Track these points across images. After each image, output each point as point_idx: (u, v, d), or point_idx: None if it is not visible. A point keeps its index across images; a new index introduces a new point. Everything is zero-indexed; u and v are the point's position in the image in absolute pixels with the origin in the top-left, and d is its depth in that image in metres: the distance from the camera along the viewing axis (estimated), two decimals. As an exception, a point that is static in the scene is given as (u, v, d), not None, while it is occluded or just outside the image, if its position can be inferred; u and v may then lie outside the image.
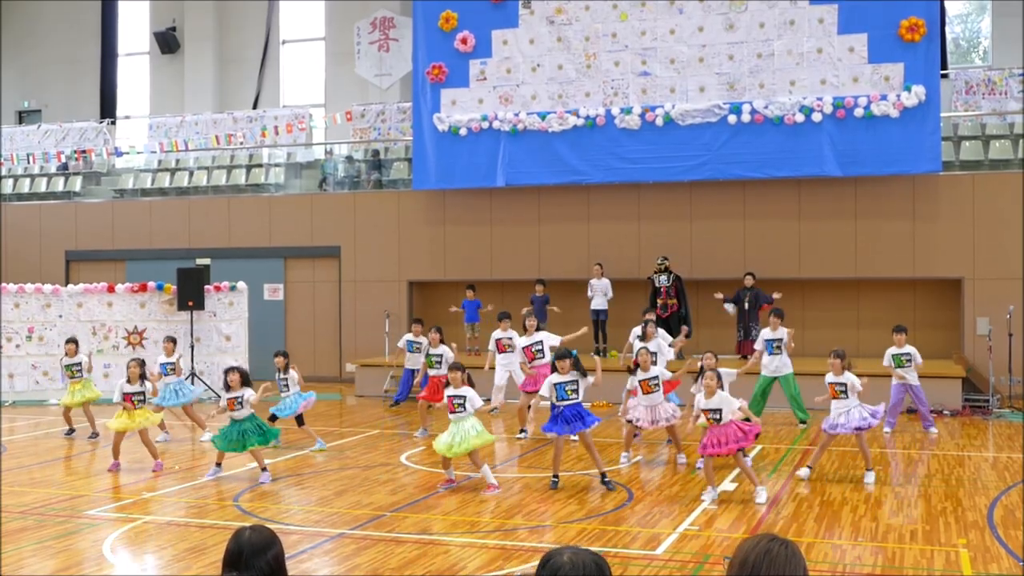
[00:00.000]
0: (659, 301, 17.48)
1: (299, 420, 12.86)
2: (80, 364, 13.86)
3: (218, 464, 11.05)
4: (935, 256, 17.46)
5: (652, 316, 13.84)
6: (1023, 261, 16.81)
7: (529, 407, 12.99)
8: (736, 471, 10.56)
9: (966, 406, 15.50)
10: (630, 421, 11.33)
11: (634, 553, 7.81)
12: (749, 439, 9.71)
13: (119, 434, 11.52)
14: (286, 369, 12.77)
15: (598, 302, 18.02)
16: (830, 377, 10.61)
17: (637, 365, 11.11)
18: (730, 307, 17.19)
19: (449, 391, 10.38)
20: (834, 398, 10.56)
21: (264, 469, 10.83)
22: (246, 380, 10.91)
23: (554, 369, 10.31)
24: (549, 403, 10.45)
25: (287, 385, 12.75)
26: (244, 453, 11.00)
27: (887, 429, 13.64)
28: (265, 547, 3.63)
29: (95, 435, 13.72)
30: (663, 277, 17.59)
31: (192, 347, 17.77)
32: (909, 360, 13.38)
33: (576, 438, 10.58)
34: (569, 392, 10.09)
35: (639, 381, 10.96)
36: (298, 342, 20.34)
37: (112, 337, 18.12)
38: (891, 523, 8.78)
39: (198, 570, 7.48)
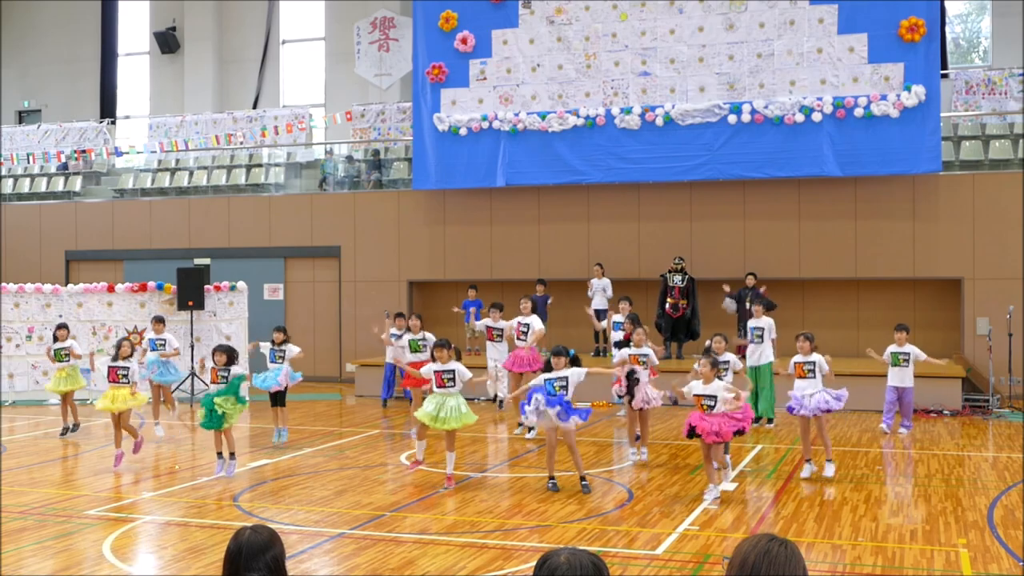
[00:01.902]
0: (669, 300, 17.46)
1: (281, 399, 12.91)
2: (67, 349, 13.92)
3: (219, 454, 11.04)
4: (935, 256, 17.46)
5: (626, 306, 14.38)
6: (1023, 261, 16.82)
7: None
8: (736, 471, 10.57)
9: (966, 406, 15.51)
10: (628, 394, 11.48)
11: (634, 553, 7.82)
12: (746, 423, 9.71)
13: (114, 417, 11.60)
14: (283, 343, 12.89)
15: (598, 302, 18.02)
16: (798, 357, 10.68)
17: (628, 340, 11.31)
18: (731, 304, 17.19)
19: (436, 366, 10.38)
20: (801, 377, 10.62)
21: (232, 456, 10.96)
22: (231, 360, 11.05)
23: (548, 366, 10.19)
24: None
25: (282, 357, 12.85)
26: (241, 454, 11.00)
27: (886, 429, 13.67)
28: (265, 547, 3.62)
29: (76, 427, 13.92)
30: (677, 277, 17.54)
31: (192, 347, 17.76)
32: (907, 360, 13.39)
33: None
34: (557, 388, 10.07)
35: (629, 355, 11.31)
36: (298, 342, 20.04)
37: (112, 337, 18.08)
38: (891, 523, 8.78)
39: (198, 570, 7.47)
